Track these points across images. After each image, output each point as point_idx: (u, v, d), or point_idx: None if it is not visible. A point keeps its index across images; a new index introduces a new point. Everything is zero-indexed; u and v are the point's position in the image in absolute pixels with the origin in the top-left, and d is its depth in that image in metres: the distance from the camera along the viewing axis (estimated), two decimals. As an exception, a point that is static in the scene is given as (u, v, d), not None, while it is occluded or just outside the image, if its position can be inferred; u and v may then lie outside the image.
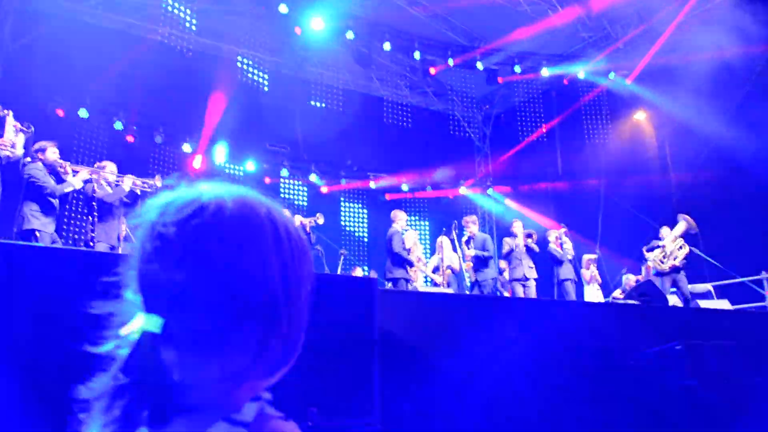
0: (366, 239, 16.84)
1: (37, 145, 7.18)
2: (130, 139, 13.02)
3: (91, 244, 7.45)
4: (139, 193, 8.09)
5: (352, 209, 16.95)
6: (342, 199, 16.82)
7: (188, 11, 13.12)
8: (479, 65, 15.00)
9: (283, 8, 12.98)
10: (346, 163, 16.19)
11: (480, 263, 9.75)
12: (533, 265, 9.82)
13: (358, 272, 13.24)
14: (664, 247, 10.34)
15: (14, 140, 6.56)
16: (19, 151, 6.62)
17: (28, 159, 7.08)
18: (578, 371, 4.84)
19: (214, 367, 0.84)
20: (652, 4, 14.04)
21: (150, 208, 0.89)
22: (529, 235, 9.79)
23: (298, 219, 9.30)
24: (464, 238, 10.09)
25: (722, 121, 12.85)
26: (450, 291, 10.38)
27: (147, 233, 0.87)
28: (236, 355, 0.85)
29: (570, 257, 10.44)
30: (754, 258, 11.91)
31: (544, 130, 16.84)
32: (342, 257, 11.69)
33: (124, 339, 0.85)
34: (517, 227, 9.92)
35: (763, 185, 12.04)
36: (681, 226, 10.26)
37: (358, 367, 2.83)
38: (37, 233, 6.78)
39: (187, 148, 13.87)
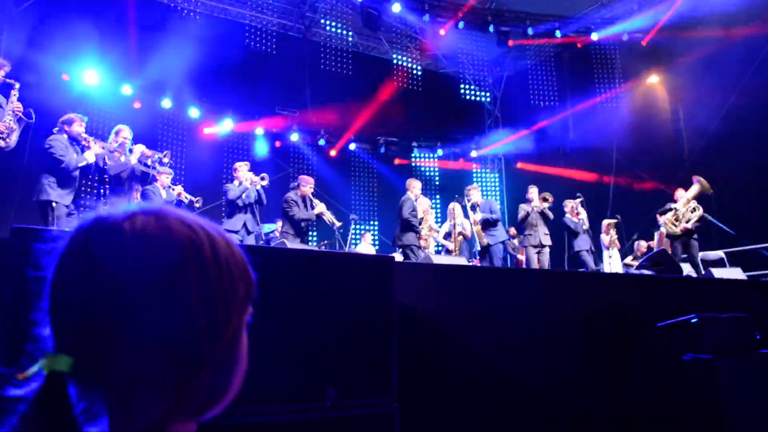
0: (376, 203, 16.78)
1: (64, 117, 7.11)
2: (137, 105, 12.90)
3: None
4: (149, 164, 8.02)
5: (361, 173, 16.84)
6: (352, 163, 16.70)
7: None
8: (490, 28, 14.69)
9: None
10: (356, 127, 16.00)
11: (489, 226, 9.69)
12: (548, 232, 9.74)
13: (368, 238, 13.21)
14: (676, 209, 10.22)
15: (13, 127, 6.37)
16: (13, 141, 6.42)
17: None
18: (593, 344, 4.81)
19: (129, 410, 0.75)
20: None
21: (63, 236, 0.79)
22: (545, 200, 9.68)
23: (248, 175, 9.00)
24: (469, 205, 10.02)
25: (736, 88, 12.69)
26: (462, 259, 10.37)
27: (58, 262, 0.77)
28: (151, 397, 0.75)
29: (585, 228, 10.33)
30: (767, 226, 11.84)
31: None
32: (353, 222, 11.63)
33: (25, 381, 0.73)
34: (533, 193, 9.82)
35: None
36: (695, 188, 10.11)
37: (377, 348, 2.79)
38: (54, 204, 6.78)
39: (194, 113, 13.74)
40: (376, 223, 16.51)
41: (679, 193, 10.35)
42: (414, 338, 3.54)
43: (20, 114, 6.41)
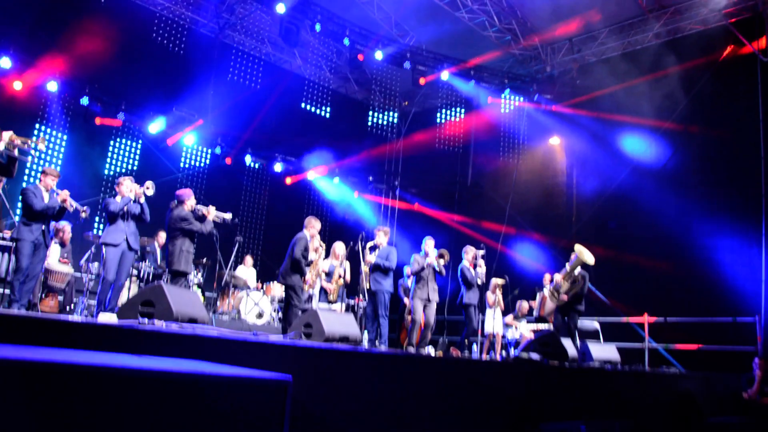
0: (263, 223, 16.12)
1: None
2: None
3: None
4: (15, 153, 7.10)
5: (252, 189, 16.13)
6: (244, 178, 15.96)
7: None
8: (406, 64, 14.55)
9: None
10: (253, 139, 15.31)
11: (379, 273, 9.40)
12: (437, 287, 9.55)
13: (249, 261, 12.59)
14: (557, 281, 10.39)
15: None
16: None
17: None
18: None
19: None
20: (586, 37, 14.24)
21: None
22: (440, 256, 9.47)
23: (133, 186, 8.31)
24: (370, 244, 9.70)
25: (628, 165, 13.30)
26: (338, 306, 10.01)
27: None
28: None
29: (480, 282, 10.21)
30: (638, 299, 12.36)
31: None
32: (237, 244, 10.97)
33: None
34: (429, 246, 9.59)
35: (659, 231, 12.51)
36: (578, 258, 10.29)
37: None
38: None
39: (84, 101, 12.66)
40: (261, 243, 15.87)
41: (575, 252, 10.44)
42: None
43: None
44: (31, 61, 11.76)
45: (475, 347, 10.52)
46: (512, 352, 11.11)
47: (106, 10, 12.74)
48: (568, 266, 10.34)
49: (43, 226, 7.47)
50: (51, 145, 12.40)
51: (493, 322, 11.03)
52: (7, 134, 6.99)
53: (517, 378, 5.41)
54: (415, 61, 14.60)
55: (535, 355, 6.48)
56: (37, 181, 7.61)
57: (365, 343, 8.97)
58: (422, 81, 15.23)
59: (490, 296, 11.09)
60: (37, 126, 12.40)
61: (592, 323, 11.65)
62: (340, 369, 3.97)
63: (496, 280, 11.10)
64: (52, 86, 12.17)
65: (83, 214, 8.20)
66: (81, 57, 12.05)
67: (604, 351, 8.92)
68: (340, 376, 3.88)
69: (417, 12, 14.22)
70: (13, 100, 11.74)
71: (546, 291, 11.05)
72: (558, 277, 10.36)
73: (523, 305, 11.73)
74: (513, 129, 16.12)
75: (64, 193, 7.75)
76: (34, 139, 7.50)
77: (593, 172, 14.16)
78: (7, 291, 7.70)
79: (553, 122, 15.04)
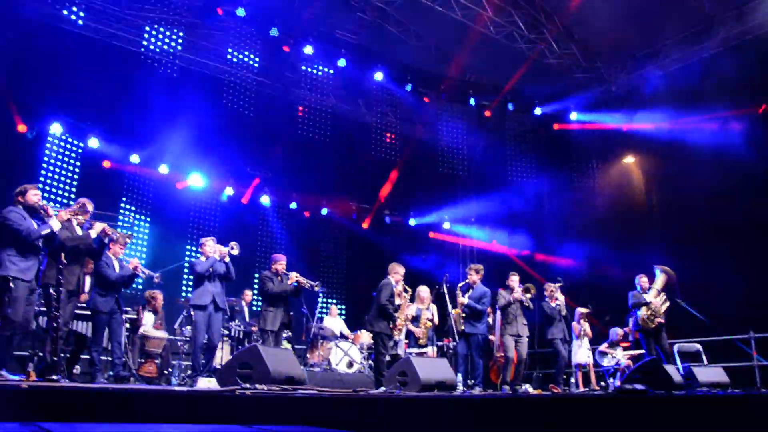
0: (344, 272, 16.37)
1: (18, 189, 6.59)
2: (106, 164, 12.42)
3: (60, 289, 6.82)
4: (106, 241, 7.47)
5: (331, 239, 16.44)
6: (323, 228, 16.29)
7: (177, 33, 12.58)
8: (471, 101, 14.67)
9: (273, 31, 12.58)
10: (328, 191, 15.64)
11: (472, 315, 9.32)
12: (526, 322, 9.44)
13: (335, 311, 12.78)
14: (650, 303, 10.01)
15: None
16: None
17: None
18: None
19: None
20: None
21: None
22: (527, 290, 9.39)
23: (217, 247, 8.65)
24: (461, 284, 9.64)
25: (711, 173, 12.77)
26: (429, 350, 9.97)
27: None
28: None
29: (563, 314, 10.06)
30: (740, 316, 11.71)
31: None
32: (320, 294, 11.08)
33: None
34: (514, 281, 9.51)
35: (750, 242, 11.93)
36: (661, 278, 9.95)
37: None
38: (12, 281, 6.19)
39: (164, 169, 13.25)
40: (343, 293, 16.07)
41: (644, 281, 10.15)
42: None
43: None
44: (115, 140, 12.52)
45: (572, 380, 10.29)
46: (610, 381, 10.78)
47: (174, 82, 13.32)
48: (655, 287, 10.00)
49: (117, 294, 7.82)
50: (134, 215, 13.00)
51: (581, 352, 10.79)
52: (101, 225, 7.38)
53: (623, 412, 5.23)
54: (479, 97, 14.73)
55: (639, 386, 6.27)
56: (109, 252, 7.85)
57: (460, 387, 8.90)
58: (488, 113, 15.36)
59: (575, 326, 10.88)
60: (123, 199, 13.03)
61: (692, 345, 11.16)
62: (445, 418, 3.96)
63: (581, 310, 10.90)
64: (135, 158, 12.91)
65: (156, 280, 8.56)
66: (155, 129, 12.66)
67: (710, 374, 8.54)
68: (446, 425, 3.88)
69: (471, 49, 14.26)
70: (101, 176, 12.46)
71: (640, 319, 10.72)
72: (651, 298, 9.97)
73: (617, 331, 11.40)
74: (584, 151, 15.85)
75: (135, 261, 8.12)
76: (126, 233, 7.92)
77: (672, 184, 13.72)
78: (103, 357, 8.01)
79: (626, 141, 14.73)
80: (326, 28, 13.45)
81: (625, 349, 11.19)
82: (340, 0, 12.76)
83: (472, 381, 9.13)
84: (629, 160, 15.06)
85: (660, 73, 14.00)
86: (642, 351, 10.50)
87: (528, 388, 9.25)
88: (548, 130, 15.90)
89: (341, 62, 13.62)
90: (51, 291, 6.73)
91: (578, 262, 14.38)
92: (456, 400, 4.25)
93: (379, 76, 14.03)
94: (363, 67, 14.06)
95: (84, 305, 7.94)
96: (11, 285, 6.18)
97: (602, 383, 10.87)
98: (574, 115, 15.16)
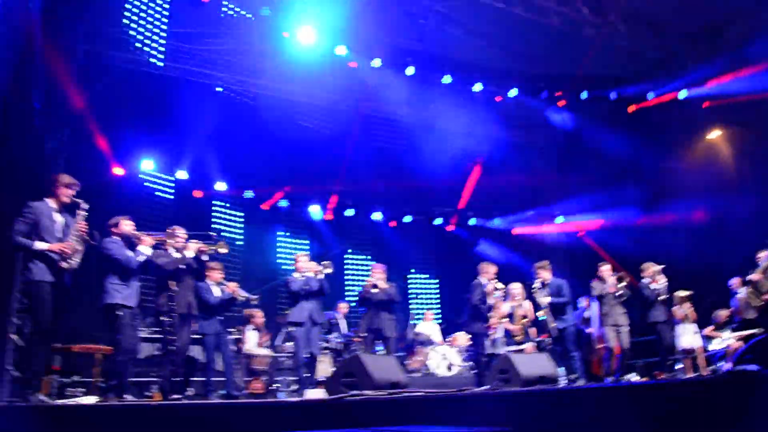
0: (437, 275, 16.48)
1: (110, 221, 7.10)
2: (197, 194, 13.05)
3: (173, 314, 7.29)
4: (203, 258, 7.88)
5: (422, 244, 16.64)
6: (414, 235, 16.53)
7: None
8: (543, 93, 14.53)
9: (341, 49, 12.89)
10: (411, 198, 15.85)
11: (557, 311, 9.29)
12: (625, 310, 9.26)
13: (430, 317, 12.90)
14: (755, 282, 9.65)
15: (77, 248, 6.19)
16: (76, 262, 6.22)
17: None
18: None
19: None
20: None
21: None
22: (619, 279, 9.22)
23: (310, 265, 8.94)
24: (536, 285, 9.61)
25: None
26: (527, 346, 9.93)
27: None
28: None
29: (662, 297, 9.71)
30: None
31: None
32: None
33: None
34: (606, 271, 9.38)
35: None
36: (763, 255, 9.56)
37: None
38: (119, 308, 6.69)
39: (249, 194, 13.86)
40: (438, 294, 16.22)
41: (762, 255, 9.73)
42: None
43: (85, 235, 6.31)
44: (202, 170, 13.21)
45: (678, 366, 10.00)
46: (719, 365, 10.41)
47: (250, 109, 13.84)
48: (762, 264, 9.61)
49: (220, 317, 8.21)
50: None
51: (686, 337, 10.44)
52: (195, 245, 7.79)
53: (737, 394, 5.10)
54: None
55: (752, 366, 6.05)
56: (207, 279, 8.29)
57: (563, 380, 8.84)
58: (562, 103, 15.19)
59: (677, 311, 10.52)
60: (213, 224, 13.63)
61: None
62: (555, 412, 4.00)
63: (680, 293, 10.55)
64: (221, 186, 13.52)
65: (253, 302, 8.91)
66: (239, 156, 13.21)
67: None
68: (559, 419, 3.91)
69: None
70: (190, 203, 13.17)
71: (742, 293, 10.32)
72: (756, 276, 9.61)
73: (721, 313, 10.99)
74: (665, 131, 15.29)
75: (232, 285, 8.50)
76: (221, 243, 8.28)
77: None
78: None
79: (709, 115, 14.17)
80: (390, 38, 13.59)
81: (734, 330, 10.79)
82: (401, 10, 12.88)
83: (574, 375, 9.06)
84: (715, 134, 14.49)
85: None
86: (754, 331, 10.11)
87: (633, 378, 9.08)
88: (624, 114, 15.44)
89: (409, 70, 13.75)
90: (162, 317, 7.20)
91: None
92: (559, 392, 4.28)
93: (447, 79, 14.09)
94: (431, 72, 14.14)
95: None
96: (118, 313, 6.66)
97: (711, 367, 10.51)
98: (650, 96, 14.72)
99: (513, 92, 14.67)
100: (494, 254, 15.35)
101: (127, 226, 7.14)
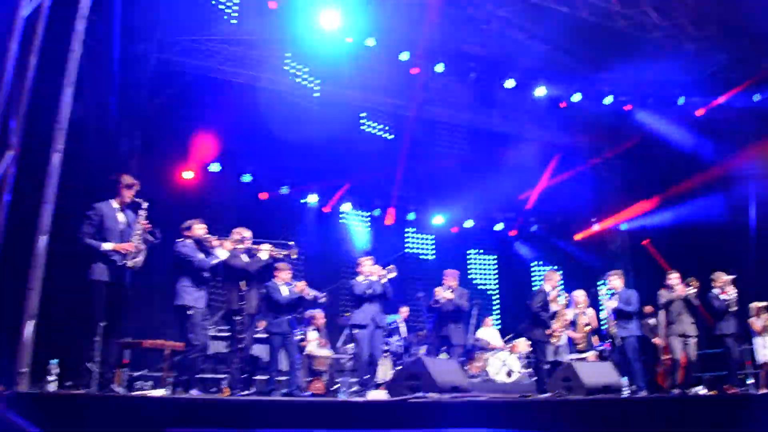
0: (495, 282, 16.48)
1: (184, 224, 7.36)
2: (263, 196, 13.39)
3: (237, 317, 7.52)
4: (280, 256, 8.15)
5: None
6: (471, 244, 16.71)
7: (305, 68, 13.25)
8: (610, 98, 14.30)
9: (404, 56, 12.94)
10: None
11: (621, 318, 9.14)
12: (694, 320, 9.00)
13: (489, 322, 12.88)
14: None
15: (140, 247, 6.37)
16: (140, 261, 6.40)
17: None
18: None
19: None
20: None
21: None
22: (688, 285, 8.95)
23: (374, 269, 9.02)
24: (606, 293, 9.51)
25: None
26: (589, 354, 9.76)
27: None
28: None
29: (733, 309, 9.32)
30: None
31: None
32: (475, 307, 11.26)
33: None
34: (673, 279, 9.15)
35: None
36: None
37: None
38: (190, 309, 6.92)
39: (312, 199, 14.05)
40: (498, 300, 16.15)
41: None
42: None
43: (147, 234, 6.49)
44: (267, 173, 13.58)
45: (748, 381, 9.66)
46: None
47: (313, 114, 13.94)
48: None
49: (288, 317, 8.36)
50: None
51: (764, 350, 10.03)
52: (267, 247, 8.00)
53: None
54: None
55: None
56: (275, 279, 8.44)
57: (626, 390, 8.69)
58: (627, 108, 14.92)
59: (755, 322, 10.12)
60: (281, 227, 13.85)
61: None
62: (620, 421, 3.97)
63: (757, 304, 10.16)
64: (284, 189, 13.92)
65: (322, 300, 9.04)
66: (302, 160, 13.49)
67: None
68: (623, 429, 3.89)
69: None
70: (257, 207, 13.51)
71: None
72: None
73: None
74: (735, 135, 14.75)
75: (301, 284, 8.64)
76: (292, 250, 8.43)
77: None
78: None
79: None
80: (454, 44, 13.58)
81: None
82: (464, 16, 12.85)
83: (635, 386, 8.88)
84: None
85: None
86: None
87: (700, 391, 8.82)
88: (692, 117, 14.96)
89: (472, 75, 13.76)
90: (234, 317, 7.45)
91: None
92: (625, 402, 4.24)
93: (510, 83, 14.00)
94: (493, 77, 14.09)
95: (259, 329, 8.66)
96: (189, 313, 6.89)
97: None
98: (720, 99, 14.23)
99: (577, 97, 14.37)
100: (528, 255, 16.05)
101: (199, 229, 7.40)
